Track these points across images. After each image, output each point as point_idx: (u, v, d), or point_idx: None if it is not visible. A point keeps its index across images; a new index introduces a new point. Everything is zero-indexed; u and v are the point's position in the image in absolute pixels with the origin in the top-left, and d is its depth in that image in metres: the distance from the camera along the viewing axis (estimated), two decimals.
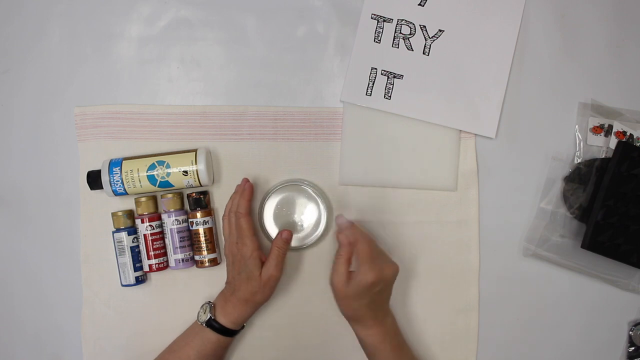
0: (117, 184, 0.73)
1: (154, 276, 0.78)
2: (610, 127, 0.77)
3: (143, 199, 0.75)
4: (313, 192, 0.76)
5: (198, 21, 0.80)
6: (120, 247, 0.75)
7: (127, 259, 0.75)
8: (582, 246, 0.75)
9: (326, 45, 0.79)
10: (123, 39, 0.80)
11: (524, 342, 0.78)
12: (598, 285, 0.78)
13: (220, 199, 0.78)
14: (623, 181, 0.75)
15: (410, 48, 0.79)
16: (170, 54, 0.79)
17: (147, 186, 0.74)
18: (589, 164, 0.77)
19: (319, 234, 0.76)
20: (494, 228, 0.78)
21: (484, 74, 0.78)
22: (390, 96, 0.78)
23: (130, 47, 0.79)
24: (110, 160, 0.74)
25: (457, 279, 0.78)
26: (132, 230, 0.76)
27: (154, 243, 0.75)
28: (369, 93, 0.78)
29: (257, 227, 0.77)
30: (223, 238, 0.75)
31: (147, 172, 0.73)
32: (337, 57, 0.79)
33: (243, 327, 0.74)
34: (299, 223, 0.76)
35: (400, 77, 0.78)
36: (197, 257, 0.75)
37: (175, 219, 0.75)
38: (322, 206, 0.76)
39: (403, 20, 0.79)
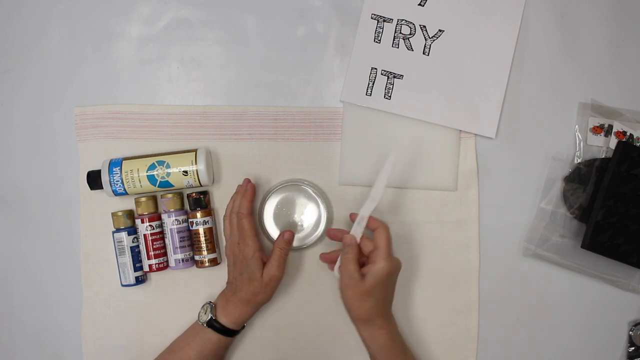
0: (117, 184, 0.73)
1: (154, 276, 0.78)
2: (610, 127, 0.77)
3: (143, 199, 0.75)
4: (313, 192, 0.76)
5: (198, 21, 0.80)
6: (120, 247, 0.75)
7: (127, 259, 0.75)
8: (582, 246, 0.75)
9: (326, 45, 0.79)
10: (123, 39, 0.80)
11: (524, 342, 0.78)
12: (598, 285, 0.78)
13: (220, 199, 0.78)
14: (623, 181, 0.75)
15: (410, 48, 0.79)
16: (170, 54, 0.79)
17: (147, 186, 0.74)
18: (589, 164, 0.77)
19: (319, 234, 0.76)
20: (494, 228, 0.78)
21: (484, 74, 0.78)
22: (390, 96, 0.78)
23: (130, 47, 0.79)
24: (110, 160, 0.74)
25: (457, 279, 0.78)
26: (132, 230, 0.76)
27: (154, 243, 0.75)
28: (369, 93, 0.78)
29: (257, 227, 0.77)
30: (223, 238, 0.75)
31: (147, 172, 0.73)
32: (337, 57, 0.79)
33: (244, 327, 0.74)
34: (299, 223, 0.76)
35: (400, 77, 0.78)
36: (197, 257, 0.75)
37: (175, 219, 0.75)
38: (322, 206, 0.76)
39: (403, 20, 0.79)
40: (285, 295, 0.77)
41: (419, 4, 0.79)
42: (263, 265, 0.70)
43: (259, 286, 0.69)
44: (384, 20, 0.79)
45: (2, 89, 0.79)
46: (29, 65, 0.79)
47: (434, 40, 0.79)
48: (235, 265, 0.71)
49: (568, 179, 0.78)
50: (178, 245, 0.75)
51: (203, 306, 0.73)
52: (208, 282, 0.77)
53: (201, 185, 0.75)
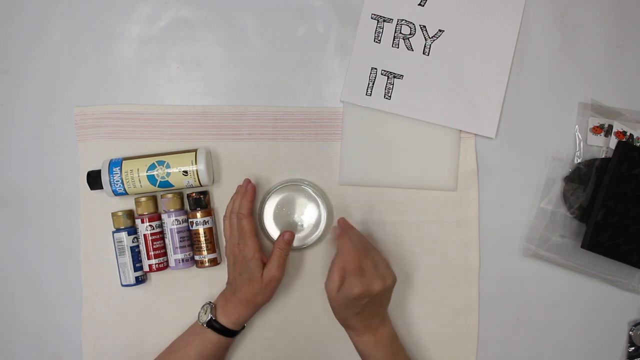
0: (117, 184, 0.73)
1: (154, 276, 0.78)
2: (610, 127, 0.77)
3: (143, 199, 0.75)
4: (313, 192, 0.76)
5: (198, 21, 0.80)
6: (120, 247, 0.75)
7: (127, 259, 0.75)
8: (582, 246, 0.75)
9: (326, 45, 0.79)
10: (123, 39, 0.80)
11: (524, 342, 0.78)
12: (598, 285, 0.78)
13: (220, 199, 0.78)
14: (623, 181, 0.75)
15: (410, 48, 0.79)
16: (170, 54, 0.79)
17: (147, 186, 0.74)
18: (589, 164, 0.77)
19: (319, 234, 0.76)
20: (494, 228, 0.78)
21: (484, 74, 0.78)
22: (390, 96, 0.78)
23: (130, 47, 0.79)
24: (110, 160, 0.74)
25: (457, 279, 0.78)
26: (132, 230, 0.76)
27: (154, 243, 0.75)
28: (369, 93, 0.78)
29: (257, 227, 0.77)
30: (223, 238, 0.75)
31: (147, 172, 0.73)
32: (337, 57, 0.79)
33: (244, 327, 0.74)
34: (299, 223, 0.76)
35: (400, 77, 0.78)
36: (197, 257, 0.75)
37: (175, 219, 0.75)
38: (322, 206, 0.76)
39: (403, 20, 0.79)
40: (286, 295, 0.77)
41: (419, 4, 0.79)
42: (263, 266, 0.70)
43: (258, 287, 0.69)
44: (384, 20, 0.79)
45: (2, 89, 0.79)
46: (29, 65, 0.79)
47: (434, 40, 0.79)
48: (235, 265, 0.71)
49: (568, 179, 0.78)
50: (178, 245, 0.75)
51: (203, 306, 0.73)
52: (208, 282, 0.77)
53: (201, 185, 0.75)
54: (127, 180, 0.73)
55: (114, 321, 0.78)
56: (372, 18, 0.79)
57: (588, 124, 0.78)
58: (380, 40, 0.79)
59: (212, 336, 0.70)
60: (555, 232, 0.77)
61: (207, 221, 0.75)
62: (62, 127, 0.79)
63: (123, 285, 0.76)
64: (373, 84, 0.78)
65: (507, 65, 0.79)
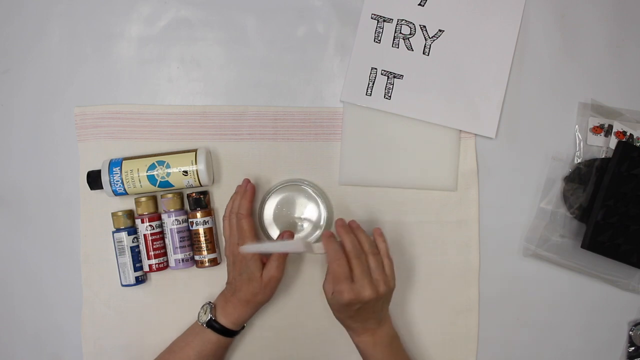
0: (117, 184, 0.73)
1: (154, 276, 0.78)
2: (610, 127, 0.77)
3: (143, 199, 0.75)
4: (313, 192, 0.76)
5: (198, 21, 0.80)
6: (120, 247, 0.75)
7: (127, 259, 0.75)
8: (582, 246, 0.75)
9: (326, 45, 0.79)
10: (123, 39, 0.80)
11: (524, 342, 0.78)
12: (598, 285, 0.78)
13: (220, 199, 0.78)
14: (623, 181, 0.75)
15: (410, 48, 0.79)
16: (170, 54, 0.79)
17: (147, 186, 0.74)
18: (589, 164, 0.77)
19: (319, 234, 0.76)
20: (494, 228, 0.78)
21: (484, 74, 0.78)
22: (390, 96, 0.78)
23: (130, 47, 0.79)
24: (110, 160, 0.74)
25: (457, 279, 0.78)
26: (132, 230, 0.76)
27: (154, 243, 0.75)
28: (369, 93, 0.78)
29: (257, 227, 0.77)
30: (223, 238, 0.75)
31: (147, 172, 0.73)
32: (337, 57, 0.79)
33: (243, 327, 0.74)
34: (299, 223, 0.76)
35: (400, 77, 0.78)
36: (197, 257, 0.75)
37: (175, 219, 0.75)
38: (322, 206, 0.76)
39: (403, 20, 0.79)
40: (285, 295, 0.77)
41: (419, 4, 0.79)
42: (262, 266, 0.70)
43: (258, 286, 0.69)
44: (384, 20, 0.79)
45: (2, 89, 0.79)
46: (29, 65, 0.79)
47: (434, 40, 0.79)
48: (235, 265, 0.71)
49: (568, 179, 0.78)
50: (178, 245, 0.75)
51: (203, 306, 0.73)
52: (208, 282, 0.77)
53: (201, 185, 0.75)
54: (127, 180, 0.73)
55: (114, 321, 0.78)
56: (372, 18, 0.79)
57: (588, 124, 0.78)
58: (380, 40, 0.79)
59: (212, 336, 0.70)
60: (555, 232, 0.77)
61: (207, 221, 0.75)
62: (62, 127, 0.79)
63: (123, 285, 0.76)
64: (373, 84, 0.78)
65: (507, 65, 0.79)
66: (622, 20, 0.80)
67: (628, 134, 0.77)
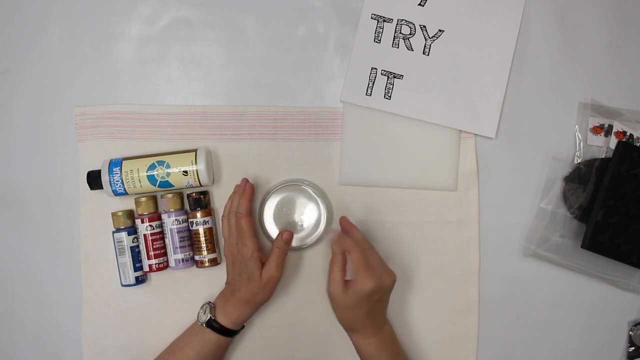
0: (117, 184, 0.73)
1: (154, 276, 0.78)
2: (610, 127, 0.77)
3: (143, 199, 0.75)
4: (313, 192, 0.76)
5: (198, 21, 0.80)
6: (120, 247, 0.75)
7: (127, 259, 0.75)
8: (582, 246, 0.75)
9: (326, 45, 0.79)
10: (123, 39, 0.80)
11: (524, 342, 0.78)
12: (598, 285, 0.78)
13: (220, 199, 0.78)
14: (623, 181, 0.75)
15: (410, 48, 0.79)
16: (170, 54, 0.79)
17: (147, 186, 0.74)
18: (589, 164, 0.77)
19: (319, 234, 0.76)
20: (494, 228, 0.78)
21: (484, 74, 0.78)
22: (390, 96, 0.78)
23: (130, 47, 0.79)
24: (110, 160, 0.74)
25: (457, 279, 0.78)
26: (132, 230, 0.76)
27: (154, 243, 0.75)
28: (369, 93, 0.78)
29: (257, 227, 0.77)
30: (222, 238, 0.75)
31: (147, 172, 0.73)
32: (337, 57, 0.79)
33: (243, 327, 0.74)
34: (299, 223, 0.76)
35: (400, 77, 0.78)
36: (197, 257, 0.75)
37: (175, 219, 0.75)
38: (322, 206, 0.76)
39: (403, 20, 0.79)
40: (285, 295, 0.77)
41: (419, 4, 0.79)
42: (262, 266, 0.70)
43: (257, 286, 0.69)
44: (384, 20, 0.79)
45: (2, 89, 0.79)
46: (29, 65, 0.79)
47: (434, 40, 0.79)
48: (234, 265, 0.71)
49: (568, 179, 0.78)
50: (178, 245, 0.75)
51: (202, 306, 0.73)
52: (208, 282, 0.77)
53: (201, 185, 0.75)
54: (127, 180, 0.73)
55: (114, 321, 0.78)
56: (372, 18, 0.79)
57: (588, 124, 0.78)
58: (380, 40, 0.79)
59: (212, 336, 0.70)
60: (555, 232, 0.77)
61: (207, 221, 0.75)
62: (62, 127, 0.79)
63: (123, 285, 0.76)
64: (373, 84, 0.78)
65: (507, 65, 0.79)
66: (622, 20, 0.80)
67: (628, 134, 0.77)
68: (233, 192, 0.75)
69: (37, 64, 0.79)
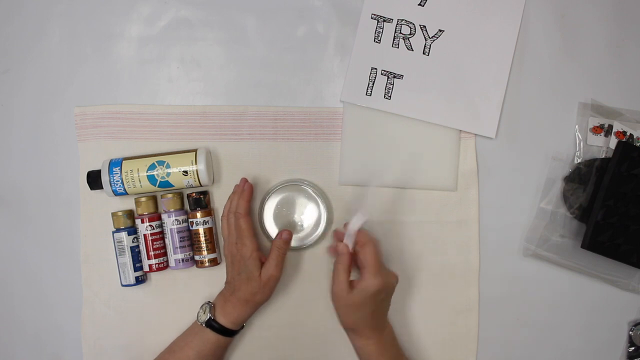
0: (117, 184, 0.73)
1: (154, 276, 0.78)
2: (610, 127, 0.77)
3: (143, 199, 0.75)
4: (313, 192, 0.76)
5: (198, 21, 0.80)
6: (120, 247, 0.75)
7: (127, 259, 0.75)
8: (582, 246, 0.75)
9: (326, 45, 0.79)
10: (123, 39, 0.80)
11: (524, 342, 0.78)
12: (598, 285, 0.78)
13: (220, 199, 0.78)
14: (623, 181, 0.75)
15: (410, 48, 0.79)
16: (170, 54, 0.79)
17: (147, 186, 0.74)
18: (589, 164, 0.77)
19: (319, 234, 0.76)
20: (494, 228, 0.78)
21: (484, 74, 0.78)
22: (390, 96, 0.78)
23: (130, 47, 0.80)
24: (110, 160, 0.74)
25: (457, 279, 0.78)
26: (132, 230, 0.76)
27: (154, 243, 0.75)
28: (369, 93, 0.78)
29: (257, 227, 0.77)
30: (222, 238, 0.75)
31: (147, 172, 0.73)
32: (337, 57, 0.79)
33: (243, 327, 0.74)
34: (299, 223, 0.76)
35: (400, 77, 0.78)
36: (197, 257, 0.75)
37: (175, 219, 0.75)
38: (322, 206, 0.76)
39: (403, 20, 0.79)
40: (285, 295, 0.77)
41: (419, 4, 0.79)
42: (261, 265, 0.70)
43: (257, 286, 0.69)
44: (384, 20, 0.79)
45: (2, 89, 0.80)
46: (29, 65, 0.79)
47: (434, 40, 0.79)
48: (234, 265, 0.71)
49: (568, 179, 0.78)
50: (178, 245, 0.75)
51: (202, 306, 0.73)
52: (208, 282, 0.77)
53: (201, 185, 0.75)
54: (127, 180, 0.73)
55: (114, 321, 0.78)
56: (372, 18, 0.79)
57: (588, 124, 0.78)
58: (380, 40, 0.79)
59: (211, 336, 0.70)
60: (555, 232, 0.77)
61: (207, 221, 0.75)
62: (62, 127, 0.79)
63: (123, 285, 0.76)
64: (373, 84, 0.78)
65: (507, 65, 0.79)
66: (622, 20, 0.80)
67: (628, 134, 0.77)
68: (232, 192, 0.75)
69: (37, 64, 0.79)
